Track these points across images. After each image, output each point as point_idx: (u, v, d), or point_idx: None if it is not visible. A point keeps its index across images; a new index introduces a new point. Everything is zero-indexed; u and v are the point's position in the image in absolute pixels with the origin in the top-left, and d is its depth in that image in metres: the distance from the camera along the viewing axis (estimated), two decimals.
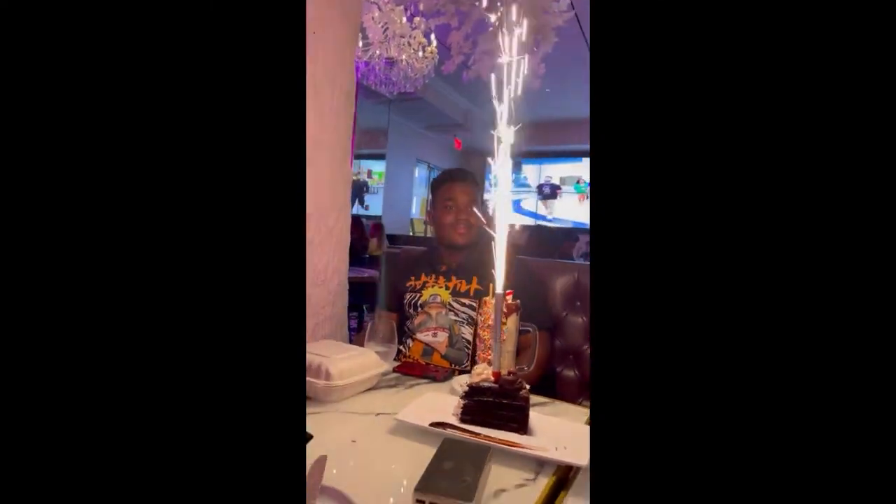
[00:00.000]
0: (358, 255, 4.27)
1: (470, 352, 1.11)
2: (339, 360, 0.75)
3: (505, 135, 0.69)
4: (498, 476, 0.56)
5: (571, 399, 1.21)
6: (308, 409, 0.70)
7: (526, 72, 0.70)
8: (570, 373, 1.23)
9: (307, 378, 0.73)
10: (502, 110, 0.70)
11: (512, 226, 0.74)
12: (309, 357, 0.75)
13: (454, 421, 0.67)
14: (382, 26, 3.08)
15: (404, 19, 3.08)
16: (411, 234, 6.90)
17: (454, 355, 1.11)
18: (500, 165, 0.71)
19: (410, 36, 3.17)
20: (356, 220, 4.65)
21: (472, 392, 0.67)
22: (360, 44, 3.20)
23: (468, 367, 1.10)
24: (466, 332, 1.12)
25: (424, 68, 3.30)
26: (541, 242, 3.94)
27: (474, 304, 1.12)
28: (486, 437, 0.62)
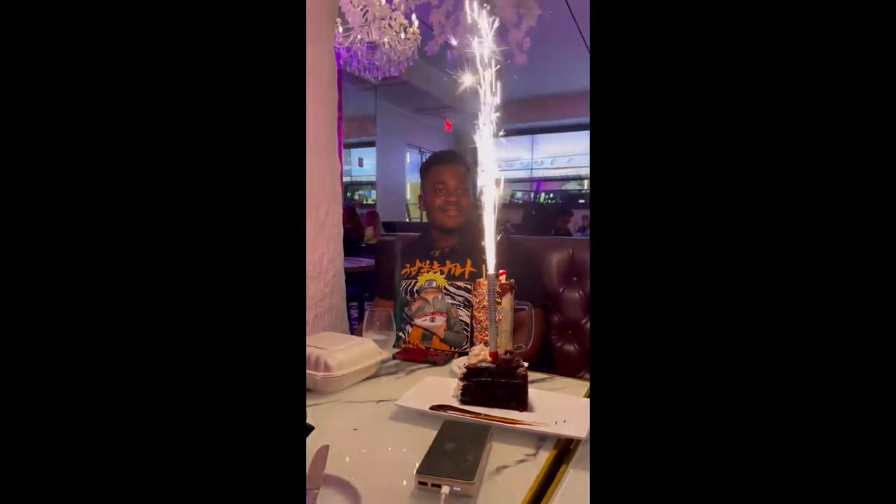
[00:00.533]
0: (354, 244, 4.27)
1: (469, 334, 1.11)
2: (336, 352, 0.75)
3: (486, 113, 0.68)
4: (499, 453, 0.57)
5: (572, 373, 1.23)
6: (308, 401, 0.71)
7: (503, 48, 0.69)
8: (570, 347, 1.24)
9: (306, 371, 0.74)
10: (484, 88, 0.69)
11: (504, 202, 0.74)
12: (307, 350, 0.76)
13: (455, 403, 0.67)
14: (362, 10, 3.01)
15: (384, 1, 3.01)
16: (408, 220, 6.87)
17: (453, 338, 1.12)
18: (486, 143, 0.70)
19: (391, 18, 3.10)
20: (350, 209, 4.65)
21: (471, 373, 0.68)
22: (341, 29, 3.13)
23: (468, 349, 1.10)
24: (464, 315, 1.12)
25: (408, 50, 3.24)
26: (535, 220, 3.94)
27: (469, 287, 1.12)
28: (486, 416, 0.63)
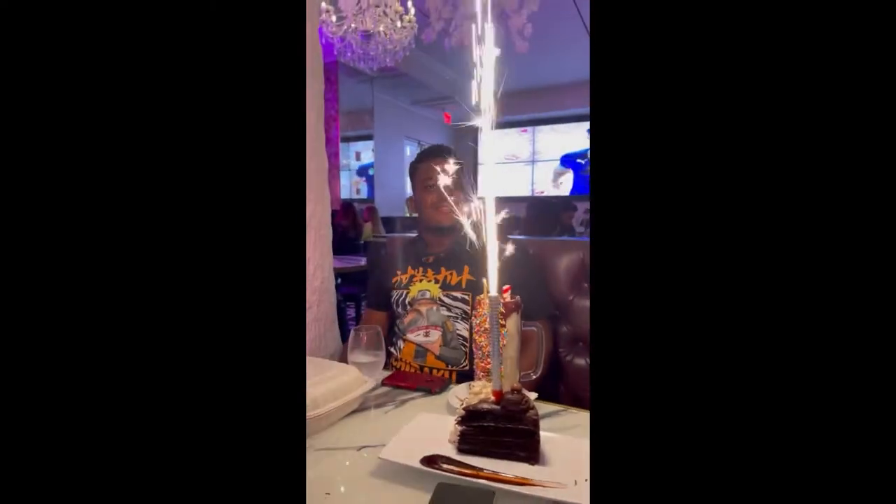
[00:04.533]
0: (353, 242, 4.14)
1: (467, 349, 1.00)
2: (311, 386, 0.64)
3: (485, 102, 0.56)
4: None
5: (581, 390, 1.12)
6: None
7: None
8: (581, 361, 1.13)
9: None
10: (481, 77, 0.57)
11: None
12: None
13: (451, 451, 0.56)
14: None
15: None
16: (407, 214, 6.74)
17: (450, 355, 1.00)
18: (485, 135, 0.59)
19: (386, 5, 2.96)
20: (348, 205, 4.52)
21: (470, 416, 0.56)
22: (334, 18, 2.99)
23: (467, 367, 0.99)
24: (462, 328, 1.01)
25: (404, 39, 3.11)
26: (540, 216, 3.80)
27: (467, 297, 1.01)
28: (488, 474, 0.51)
